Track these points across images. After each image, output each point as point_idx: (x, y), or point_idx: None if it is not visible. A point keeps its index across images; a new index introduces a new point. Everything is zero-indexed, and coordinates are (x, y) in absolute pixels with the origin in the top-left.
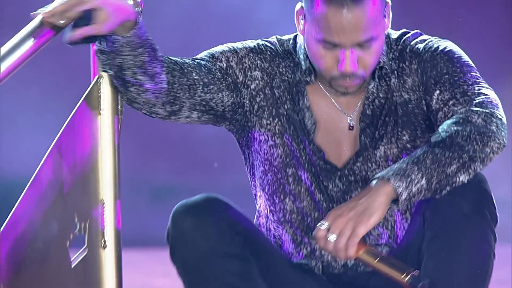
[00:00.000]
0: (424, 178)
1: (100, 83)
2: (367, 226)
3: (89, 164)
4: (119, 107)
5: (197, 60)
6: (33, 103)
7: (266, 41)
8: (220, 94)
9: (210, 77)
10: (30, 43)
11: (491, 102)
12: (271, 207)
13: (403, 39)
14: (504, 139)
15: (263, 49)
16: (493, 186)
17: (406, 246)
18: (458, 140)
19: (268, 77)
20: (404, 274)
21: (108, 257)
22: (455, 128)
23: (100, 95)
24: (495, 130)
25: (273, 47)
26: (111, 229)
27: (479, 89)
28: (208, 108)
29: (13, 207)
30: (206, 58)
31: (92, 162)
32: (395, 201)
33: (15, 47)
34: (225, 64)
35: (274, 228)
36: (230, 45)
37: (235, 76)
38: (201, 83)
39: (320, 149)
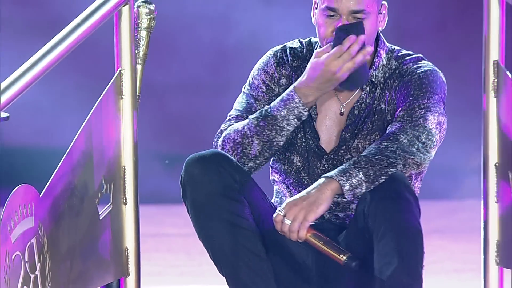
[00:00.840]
0: (361, 173)
1: (122, 74)
2: (316, 214)
3: (113, 137)
4: (137, 92)
5: (254, 109)
6: (71, 90)
7: (300, 42)
8: None
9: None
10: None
11: (425, 127)
12: (277, 178)
13: (403, 59)
14: (421, 159)
15: (285, 57)
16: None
17: (354, 218)
18: (386, 153)
19: (288, 80)
20: (342, 255)
21: (128, 211)
22: (385, 143)
23: (122, 84)
24: (415, 151)
25: (299, 49)
26: (131, 189)
27: (423, 113)
28: None
29: (53, 171)
30: (253, 99)
31: (115, 136)
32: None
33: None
34: (264, 88)
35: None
36: (260, 65)
37: (274, 91)
38: None
39: (317, 134)
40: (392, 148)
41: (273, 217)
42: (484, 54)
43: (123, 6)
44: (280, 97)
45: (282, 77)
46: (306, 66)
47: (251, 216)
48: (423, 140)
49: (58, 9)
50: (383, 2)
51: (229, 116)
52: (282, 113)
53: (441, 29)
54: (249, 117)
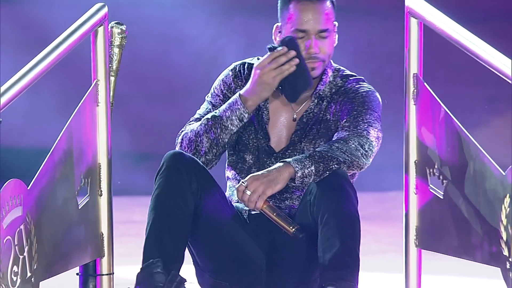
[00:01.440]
0: (313, 166)
1: (98, 84)
2: (273, 190)
3: (90, 138)
4: (111, 100)
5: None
6: (54, 97)
7: (258, 58)
8: None
9: None
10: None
11: (368, 138)
12: (231, 175)
13: (348, 78)
14: (363, 163)
15: (242, 71)
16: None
17: (301, 207)
18: (337, 152)
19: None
20: (291, 227)
21: (103, 202)
22: (337, 144)
23: (98, 93)
24: (360, 155)
25: (253, 65)
26: (105, 183)
27: (366, 127)
28: None
29: (39, 168)
30: (212, 105)
31: (92, 137)
32: (294, 179)
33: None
34: (222, 96)
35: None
36: (221, 77)
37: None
38: None
39: (268, 136)
40: (342, 150)
41: (236, 186)
42: (405, 68)
43: (99, 26)
44: (227, 102)
45: (237, 88)
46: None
47: (192, 208)
48: (366, 148)
49: (44, 28)
50: (335, 22)
51: (191, 119)
52: (227, 114)
53: (368, 46)
54: (202, 118)
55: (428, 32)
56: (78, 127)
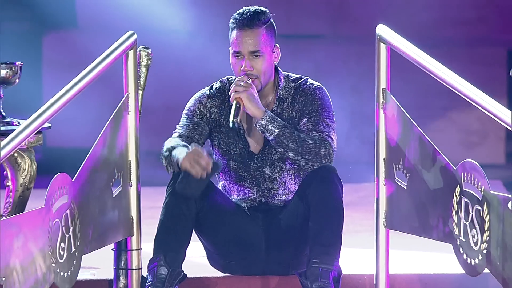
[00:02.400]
0: (278, 130)
1: (128, 97)
2: (243, 101)
3: (122, 140)
4: (139, 110)
5: (192, 128)
6: (94, 107)
7: (221, 81)
8: (206, 128)
9: (201, 128)
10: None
11: (331, 144)
12: (221, 179)
13: (299, 81)
14: (319, 164)
15: (215, 92)
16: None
17: (296, 193)
18: (304, 147)
19: (219, 110)
20: (233, 119)
21: (132, 191)
22: (310, 141)
23: (128, 103)
24: (323, 162)
25: (222, 86)
26: (134, 176)
27: (329, 132)
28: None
29: (81, 164)
30: (189, 122)
31: (124, 139)
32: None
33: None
34: (199, 112)
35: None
36: (196, 96)
37: (206, 115)
38: (203, 136)
39: (247, 143)
40: (309, 148)
41: (241, 76)
42: (376, 83)
43: (129, 50)
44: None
45: (213, 107)
46: (223, 99)
47: (194, 214)
48: (331, 154)
49: (84, 51)
50: (276, 44)
51: (173, 133)
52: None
53: (346, 65)
54: (164, 154)
55: (395, 54)
56: (113, 131)
